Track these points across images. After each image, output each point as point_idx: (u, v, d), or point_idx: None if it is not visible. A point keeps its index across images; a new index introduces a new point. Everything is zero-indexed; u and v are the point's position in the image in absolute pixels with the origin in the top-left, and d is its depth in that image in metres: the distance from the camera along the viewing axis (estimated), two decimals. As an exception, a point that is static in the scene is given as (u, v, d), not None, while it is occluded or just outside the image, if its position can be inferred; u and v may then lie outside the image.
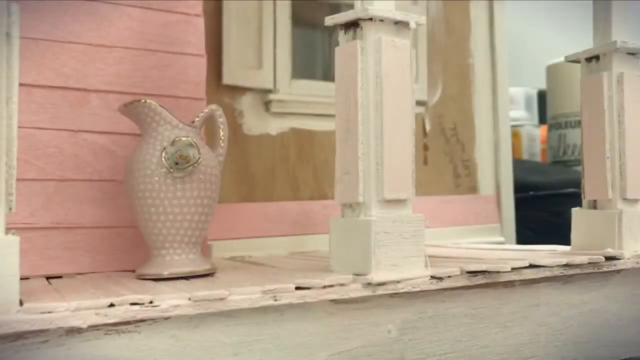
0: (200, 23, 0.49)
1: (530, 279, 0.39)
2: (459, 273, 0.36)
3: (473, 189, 0.71)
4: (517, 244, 0.70)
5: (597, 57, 0.46)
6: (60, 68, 0.44)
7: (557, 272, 0.40)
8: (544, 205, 0.74)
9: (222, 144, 0.44)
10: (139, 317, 0.29)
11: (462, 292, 0.37)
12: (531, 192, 0.75)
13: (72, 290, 0.34)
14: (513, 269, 0.38)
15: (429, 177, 0.67)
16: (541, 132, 1.05)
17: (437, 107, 0.69)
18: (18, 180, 0.31)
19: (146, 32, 0.47)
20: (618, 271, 0.43)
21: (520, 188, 0.74)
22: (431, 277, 0.36)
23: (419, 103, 0.67)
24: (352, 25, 0.36)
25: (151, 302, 0.29)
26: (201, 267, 0.40)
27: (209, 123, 0.44)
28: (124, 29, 0.46)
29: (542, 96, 1.05)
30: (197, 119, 0.42)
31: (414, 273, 0.35)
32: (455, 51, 0.71)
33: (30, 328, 0.26)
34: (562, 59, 0.50)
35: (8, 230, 0.29)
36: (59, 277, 0.42)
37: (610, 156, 0.45)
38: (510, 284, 0.39)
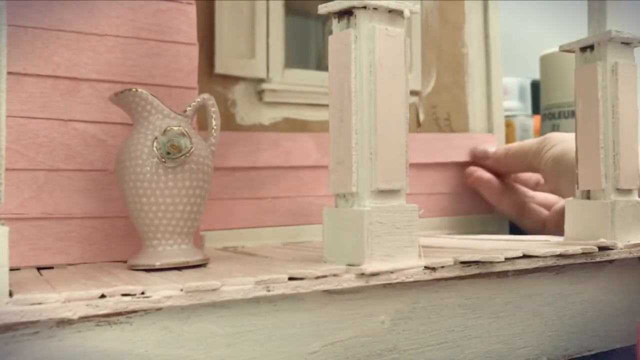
0: (192, 11, 0.49)
1: (524, 269, 0.39)
2: (452, 263, 0.36)
3: (466, 179, 0.71)
4: (510, 234, 0.70)
5: (591, 47, 0.46)
6: (50, 57, 0.43)
7: (550, 262, 0.40)
8: (537, 196, 0.74)
9: (215, 134, 0.43)
10: (130, 308, 0.28)
11: (456, 282, 0.37)
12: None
13: (62, 281, 0.33)
14: (507, 259, 0.38)
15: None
16: (534, 122, 1.04)
17: (430, 97, 0.69)
18: (7, 170, 0.31)
19: (137, 20, 0.46)
20: (611, 261, 0.43)
21: (513, 178, 0.73)
22: (425, 267, 0.35)
23: (413, 93, 0.67)
24: (346, 13, 0.36)
25: (143, 293, 0.29)
26: (193, 257, 0.40)
27: (201, 112, 0.44)
28: (115, 17, 0.46)
29: (535, 86, 1.05)
30: (189, 108, 0.42)
31: (408, 263, 0.35)
32: (450, 41, 0.71)
33: (20, 319, 0.26)
34: (556, 49, 0.50)
35: (-3, 220, 0.29)
36: (50, 267, 0.42)
37: (604, 146, 0.45)
38: (503, 274, 0.39)
